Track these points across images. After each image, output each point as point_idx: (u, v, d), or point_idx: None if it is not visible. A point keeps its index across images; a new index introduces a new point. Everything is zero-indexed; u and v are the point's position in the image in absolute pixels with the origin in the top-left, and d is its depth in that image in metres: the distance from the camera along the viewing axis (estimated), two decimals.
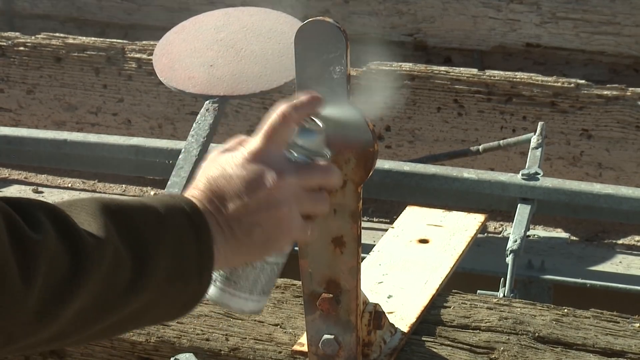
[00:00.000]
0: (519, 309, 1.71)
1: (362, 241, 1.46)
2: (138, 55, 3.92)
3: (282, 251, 1.25)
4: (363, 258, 1.64)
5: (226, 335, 1.68)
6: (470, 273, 3.01)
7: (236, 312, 1.27)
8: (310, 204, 1.21)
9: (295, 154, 1.22)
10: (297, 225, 1.20)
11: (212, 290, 1.23)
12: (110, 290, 1.06)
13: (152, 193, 3.80)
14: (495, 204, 3.20)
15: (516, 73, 3.63)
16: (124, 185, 3.87)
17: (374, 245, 1.93)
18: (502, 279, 2.76)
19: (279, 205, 1.18)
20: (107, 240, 1.06)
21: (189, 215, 1.13)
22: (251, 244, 1.18)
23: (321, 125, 1.25)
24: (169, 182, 3.07)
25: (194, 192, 1.17)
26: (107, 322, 1.08)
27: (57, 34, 4.08)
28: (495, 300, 1.75)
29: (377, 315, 1.55)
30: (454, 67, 3.71)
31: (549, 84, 3.55)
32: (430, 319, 1.68)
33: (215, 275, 1.23)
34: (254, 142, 1.20)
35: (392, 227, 1.98)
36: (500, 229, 3.49)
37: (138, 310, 1.09)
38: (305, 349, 1.59)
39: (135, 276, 1.07)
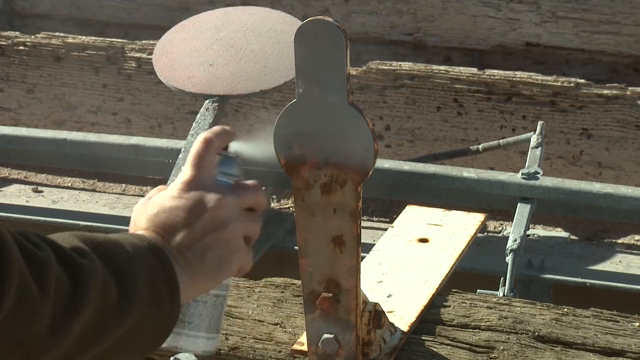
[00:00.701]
0: (518, 308, 1.71)
1: (362, 240, 1.46)
2: (138, 55, 3.92)
3: (227, 280, 1.27)
4: (363, 257, 1.64)
5: (226, 334, 1.68)
6: (470, 272, 3.01)
7: (191, 352, 1.28)
8: (250, 223, 1.24)
9: (224, 180, 1.25)
10: (242, 246, 1.23)
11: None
12: (104, 309, 1.08)
13: None
14: (495, 203, 3.20)
15: (516, 72, 3.63)
16: (123, 185, 3.87)
17: (374, 244, 1.93)
18: (501, 278, 2.76)
19: (225, 225, 1.20)
20: (95, 265, 1.09)
21: (152, 249, 1.16)
22: (206, 270, 1.20)
23: (237, 153, 1.29)
24: (168, 182, 3.07)
25: (140, 233, 1.19)
26: (104, 346, 1.10)
27: (56, 34, 4.08)
28: (495, 299, 1.75)
29: (377, 315, 1.55)
30: (454, 67, 3.71)
31: (549, 83, 3.56)
32: (430, 318, 1.68)
33: None
34: (184, 173, 1.23)
35: (392, 227, 1.98)
36: (500, 228, 3.49)
37: (127, 333, 1.12)
38: (305, 348, 1.59)
39: (121, 297, 1.10)
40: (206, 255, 1.19)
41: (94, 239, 1.13)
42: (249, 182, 1.27)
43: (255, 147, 1.35)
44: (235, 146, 1.29)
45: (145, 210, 1.22)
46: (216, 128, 1.26)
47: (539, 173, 3.09)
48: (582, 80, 3.56)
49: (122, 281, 1.11)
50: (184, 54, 3.27)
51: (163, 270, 1.15)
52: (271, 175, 3.28)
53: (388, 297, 1.73)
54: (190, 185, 1.21)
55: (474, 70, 3.65)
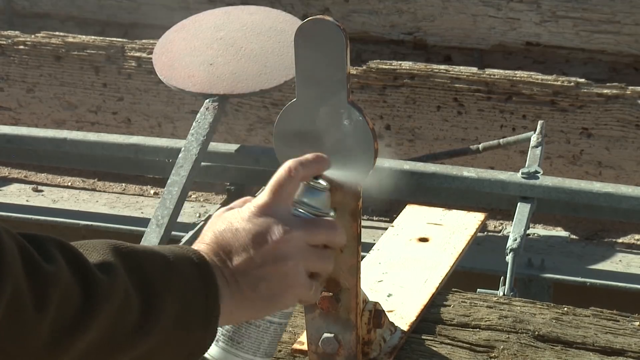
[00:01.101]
0: (518, 308, 1.71)
1: (362, 240, 1.46)
2: (138, 54, 3.92)
3: (286, 309, 1.24)
4: (363, 257, 1.64)
5: None
6: (470, 272, 3.01)
7: None
8: (316, 260, 1.21)
9: (301, 211, 1.22)
10: (302, 282, 1.20)
11: (213, 350, 1.22)
12: (117, 330, 1.05)
13: (152, 192, 3.81)
14: (495, 202, 3.20)
15: (516, 72, 3.63)
16: (123, 184, 3.87)
17: (374, 243, 1.93)
18: (502, 277, 2.76)
19: (285, 259, 1.17)
20: (118, 279, 1.06)
21: (197, 265, 1.13)
22: (256, 299, 1.17)
23: (326, 185, 1.26)
24: (168, 181, 3.07)
25: (201, 246, 1.17)
26: None
27: (57, 33, 4.08)
28: (495, 298, 1.75)
29: (377, 314, 1.55)
30: (454, 66, 3.71)
31: (549, 82, 3.56)
32: (430, 317, 1.68)
33: (219, 333, 1.22)
34: (261, 197, 1.20)
35: (392, 226, 1.98)
36: (500, 227, 3.49)
37: (143, 355, 1.08)
38: (305, 347, 1.59)
39: (142, 319, 1.07)
40: (260, 285, 1.17)
41: (129, 249, 1.10)
42: (327, 218, 1.24)
43: (350, 178, 1.33)
44: (329, 176, 1.26)
45: (215, 225, 1.19)
46: (309, 156, 1.23)
47: (539, 172, 3.09)
48: (582, 80, 3.56)
49: (148, 300, 1.07)
50: (184, 54, 3.27)
51: (203, 290, 1.12)
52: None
53: (388, 296, 1.73)
54: (263, 211, 1.18)
55: (474, 69, 3.65)
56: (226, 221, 1.19)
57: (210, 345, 1.15)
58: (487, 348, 1.60)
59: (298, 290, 1.20)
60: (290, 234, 1.18)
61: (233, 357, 1.24)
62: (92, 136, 3.54)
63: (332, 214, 1.26)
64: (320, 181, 1.26)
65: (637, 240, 3.42)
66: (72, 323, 1.02)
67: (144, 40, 3.94)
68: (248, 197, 1.23)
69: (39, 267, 1.00)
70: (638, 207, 3.04)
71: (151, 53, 3.52)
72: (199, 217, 3.49)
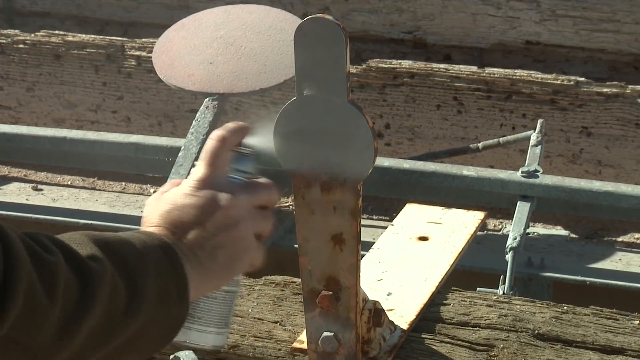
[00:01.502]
0: (518, 307, 1.71)
1: (362, 239, 1.46)
2: (137, 53, 3.92)
3: (238, 276, 1.28)
4: (363, 255, 1.64)
5: None
6: (470, 270, 3.01)
7: (200, 347, 1.29)
8: (261, 221, 1.24)
9: (237, 177, 1.25)
10: (254, 244, 1.23)
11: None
12: (111, 313, 1.09)
13: (151, 190, 3.81)
14: (494, 201, 3.20)
15: (516, 70, 3.63)
16: (123, 183, 3.87)
17: (374, 242, 1.93)
18: (501, 276, 2.76)
19: (236, 224, 1.21)
20: (105, 266, 1.09)
21: (160, 247, 1.16)
22: (217, 268, 1.20)
23: (252, 150, 1.29)
24: (168, 180, 3.07)
25: (152, 229, 1.19)
26: (111, 346, 1.11)
27: (56, 32, 4.08)
28: (494, 297, 1.75)
29: (377, 313, 1.55)
30: (454, 65, 3.71)
31: (549, 81, 3.55)
32: (429, 316, 1.68)
33: None
34: (197, 171, 1.23)
35: (392, 225, 1.98)
36: (500, 226, 3.49)
37: (134, 334, 1.12)
38: (304, 346, 1.59)
39: (130, 299, 1.10)
40: (217, 253, 1.20)
41: (104, 238, 1.13)
42: (262, 180, 1.27)
43: (269, 141, 1.35)
44: (250, 142, 1.29)
45: (157, 206, 1.22)
46: (230, 124, 1.26)
47: (539, 171, 3.09)
48: (582, 79, 3.56)
49: (131, 282, 1.11)
50: (184, 52, 3.27)
51: (173, 269, 1.15)
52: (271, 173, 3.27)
53: (388, 295, 1.73)
54: (204, 183, 1.21)
55: (474, 68, 3.65)
56: (169, 201, 1.21)
57: (185, 318, 1.17)
58: (486, 347, 1.60)
59: (252, 253, 1.23)
60: (235, 199, 1.21)
61: (195, 333, 1.26)
62: (91, 135, 3.54)
63: (261, 177, 1.29)
64: (246, 148, 1.28)
65: (637, 239, 3.42)
66: (75, 310, 1.05)
67: (143, 39, 3.94)
68: (177, 180, 1.26)
69: (43, 258, 1.03)
70: (638, 206, 3.03)
71: (151, 52, 3.51)
72: None
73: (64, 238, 1.11)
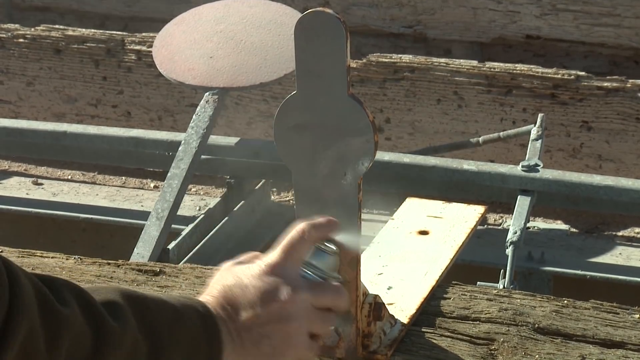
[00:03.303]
0: (518, 300, 1.71)
1: (362, 233, 1.46)
2: (138, 47, 3.92)
3: None
4: (363, 249, 1.64)
5: None
6: (470, 264, 3.01)
7: None
8: (319, 323, 1.24)
9: (309, 273, 1.25)
10: (303, 342, 1.23)
11: None
12: None
13: (152, 185, 3.81)
14: (495, 195, 3.20)
15: (516, 65, 3.63)
16: (123, 177, 3.87)
17: (374, 236, 1.93)
18: (502, 270, 2.76)
19: (289, 320, 1.21)
20: (128, 327, 1.08)
21: (203, 318, 1.16)
22: (258, 355, 1.20)
23: (335, 249, 1.29)
24: (168, 174, 3.07)
25: (209, 298, 1.20)
26: None
27: (56, 26, 4.07)
28: (495, 291, 1.75)
29: (377, 307, 1.55)
30: (454, 59, 3.70)
31: (549, 75, 3.55)
32: (430, 310, 1.68)
33: None
34: (272, 255, 1.23)
35: (392, 219, 1.98)
36: (500, 220, 3.49)
37: None
38: None
39: None
40: (262, 342, 1.20)
41: (139, 297, 1.12)
42: (333, 282, 1.27)
43: (356, 243, 1.36)
44: (337, 239, 1.29)
45: (224, 278, 1.22)
46: (320, 220, 1.27)
47: (539, 165, 3.09)
48: (583, 73, 3.56)
49: (155, 350, 1.10)
50: (184, 47, 3.27)
51: (208, 342, 1.15)
52: (270, 167, 3.28)
53: (388, 289, 1.73)
54: (273, 270, 1.22)
55: (474, 62, 3.65)
56: (236, 276, 1.21)
57: None
58: (487, 341, 1.60)
59: (299, 350, 1.23)
60: (297, 295, 1.21)
61: None
62: (92, 129, 3.54)
63: (339, 277, 1.30)
64: (330, 245, 1.29)
65: (637, 233, 3.42)
66: None
67: (143, 34, 3.93)
68: (257, 253, 1.26)
69: (54, 310, 1.02)
70: (638, 200, 3.04)
71: (151, 46, 3.51)
72: (199, 210, 3.49)
73: (94, 290, 1.10)
